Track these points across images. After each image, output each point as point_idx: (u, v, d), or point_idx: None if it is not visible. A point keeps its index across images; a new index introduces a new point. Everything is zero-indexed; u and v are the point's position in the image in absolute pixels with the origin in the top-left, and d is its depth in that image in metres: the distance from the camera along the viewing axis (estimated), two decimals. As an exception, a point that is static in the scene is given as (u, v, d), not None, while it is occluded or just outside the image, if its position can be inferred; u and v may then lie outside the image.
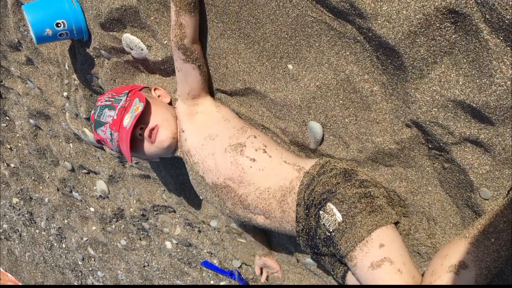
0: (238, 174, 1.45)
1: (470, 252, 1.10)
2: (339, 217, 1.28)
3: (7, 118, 3.15)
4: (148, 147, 1.59)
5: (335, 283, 1.83)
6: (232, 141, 1.49)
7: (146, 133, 1.55)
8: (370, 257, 1.22)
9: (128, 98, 1.59)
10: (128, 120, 1.52)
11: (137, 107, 1.53)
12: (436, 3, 1.01)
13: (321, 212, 1.32)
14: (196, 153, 1.53)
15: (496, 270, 1.09)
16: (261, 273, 2.15)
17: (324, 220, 1.30)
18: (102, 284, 3.80)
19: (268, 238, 2.10)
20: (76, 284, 4.21)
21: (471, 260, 1.09)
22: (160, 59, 1.65)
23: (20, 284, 5.15)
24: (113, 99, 1.61)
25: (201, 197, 1.66)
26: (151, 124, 1.56)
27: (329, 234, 1.30)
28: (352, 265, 1.26)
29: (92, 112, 1.68)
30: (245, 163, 1.45)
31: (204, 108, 1.59)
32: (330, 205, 1.30)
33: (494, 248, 1.07)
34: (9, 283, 5.19)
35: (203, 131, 1.54)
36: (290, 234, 1.50)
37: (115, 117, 1.55)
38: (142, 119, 1.55)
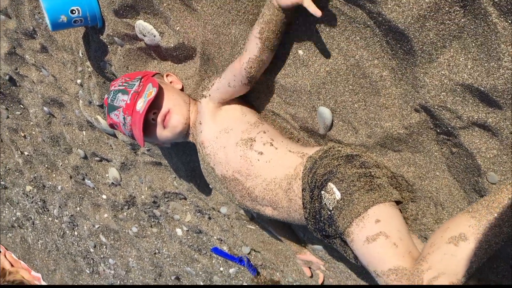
0: (246, 167, 1.49)
1: (472, 225, 1.10)
2: (338, 195, 1.30)
3: (21, 106, 3.19)
4: (161, 132, 1.62)
5: (344, 269, 1.85)
6: (244, 136, 1.52)
7: (159, 117, 1.58)
8: (365, 232, 1.24)
9: (141, 83, 1.62)
10: (141, 105, 1.55)
11: (150, 92, 1.56)
12: (445, -13, 1.02)
13: (322, 192, 1.34)
14: (209, 145, 1.57)
15: (496, 246, 1.09)
16: (311, 273, 2.12)
17: (325, 199, 1.33)
18: (113, 271, 3.86)
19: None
20: (87, 272, 4.27)
21: (472, 233, 1.10)
22: (172, 45, 1.68)
23: (32, 271, 5.23)
24: (126, 84, 1.64)
25: (210, 186, 1.70)
26: (163, 109, 1.59)
27: (330, 212, 1.32)
28: (349, 241, 1.28)
29: (106, 96, 1.71)
30: (253, 156, 1.49)
31: (228, 107, 1.61)
32: (330, 185, 1.33)
33: (496, 223, 1.07)
34: (22, 271, 5.27)
35: (220, 125, 1.57)
36: (299, 223, 1.53)
37: (128, 102, 1.58)
38: (155, 104, 1.58)
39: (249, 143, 1.50)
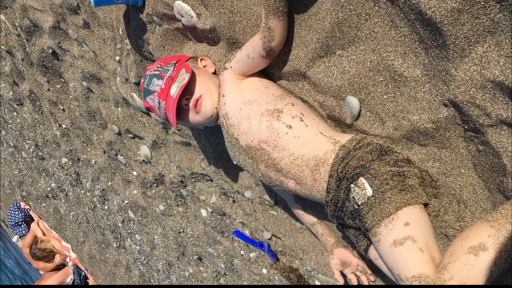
0: (273, 138, 1.49)
1: (491, 235, 1.11)
2: (369, 191, 1.30)
3: (62, 79, 3.30)
4: (193, 117, 1.67)
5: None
6: (270, 107, 1.53)
7: (191, 103, 1.63)
8: (393, 234, 1.25)
9: (175, 68, 1.66)
10: (174, 90, 1.59)
11: (183, 77, 1.60)
12: (482, -20, 1.01)
13: (352, 185, 1.34)
14: (233, 115, 1.59)
15: None
16: (344, 277, 1.84)
17: (354, 193, 1.33)
18: (139, 247, 3.96)
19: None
20: (114, 245, 4.39)
21: (492, 243, 1.10)
22: (208, 27, 1.70)
23: (62, 241, 5.41)
24: (161, 69, 1.69)
25: (234, 162, 1.72)
26: (195, 95, 1.64)
27: (357, 207, 1.33)
28: (375, 240, 1.29)
29: (142, 80, 1.77)
30: (281, 128, 1.49)
31: (249, 79, 1.64)
32: (362, 179, 1.33)
33: None
34: (53, 240, 5.46)
35: (243, 96, 1.59)
36: (318, 202, 1.54)
37: (163, 86, 1.63)
38: (188, 90, 1.63)
39: (275, 113, 1.51)
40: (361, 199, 1.31)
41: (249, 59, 1.57)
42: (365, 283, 1.75)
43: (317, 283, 2.26)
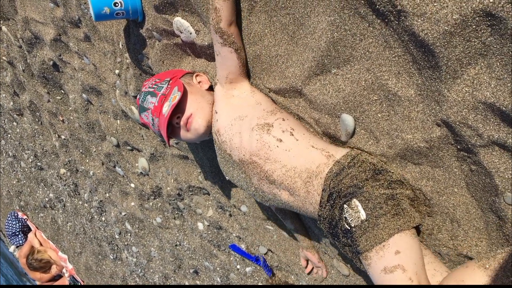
0: (264, 151, 1.51)
1: (487, 283, 1.12)
2: (363, 214, 1.31)
3: (62, 91, 3.32)
4: (185, 134, 1.70)
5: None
6: (260, 121, 1.54)
7: (182, 121, 1.66)
8: (384, 262, 1.26)
9: (168, 86, 1.68)
10: (166, 109, 1.61)
11: (175, 96, 1.62)
12: (474, 5, 1.03)
13: (345, 206, 1.35)
14: (224, 132, 1.61)
15: None
16: (307, 264, 2.20)
17: (347, 214, 1.34)
18: (135, 259, 3.95)
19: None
20: (111, 257, 4.38)
21: None
22: (206, 43, 1.73)
23: (59, 252, 5.39)
24: (155, 86, 1.71)
25: (227, 178, 1.73)
26: (186, 113, 1.65)
27: (349, 228, 1.33)
28: (366, 263, 1.30)
29: (138, 97, 1.79)
30: (271, 141, 1.50)
31: (240, 92, 1.65)
32: (355, 201, 1.33)
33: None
34: (50, 251, 5.44)
35: (235, 112, 1.60)
36: (311, 216, 1.54)
37: (156, 104, 1.66)
38: (179, 108, 1.65)
39: (265, 127, 1.52)
40: (354, 221, 1.32)
41: (218, 56, 1.60)
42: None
43: (312, 298, 2.26)
